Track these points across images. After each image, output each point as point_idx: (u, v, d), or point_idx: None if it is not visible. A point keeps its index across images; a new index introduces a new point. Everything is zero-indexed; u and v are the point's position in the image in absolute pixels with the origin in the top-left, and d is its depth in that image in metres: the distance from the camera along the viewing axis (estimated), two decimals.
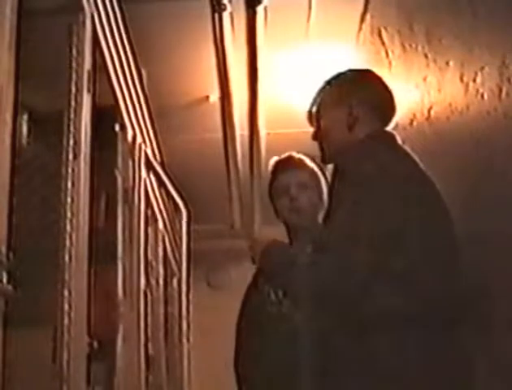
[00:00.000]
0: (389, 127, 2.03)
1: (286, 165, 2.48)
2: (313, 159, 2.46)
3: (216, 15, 3.30)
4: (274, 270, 1.96)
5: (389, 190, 1.76)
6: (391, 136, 1.99)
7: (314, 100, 2.10)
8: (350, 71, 2.11)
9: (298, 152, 2.52)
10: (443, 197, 1.91)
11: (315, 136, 2.08)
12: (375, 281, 1.68)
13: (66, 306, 2.06)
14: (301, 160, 2.49)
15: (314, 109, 2.09)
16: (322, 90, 2.08)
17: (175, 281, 4.32)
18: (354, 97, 1.99)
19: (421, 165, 1.94)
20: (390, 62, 3.12)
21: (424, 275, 1.72)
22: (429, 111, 2.62)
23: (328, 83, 2.08)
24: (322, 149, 2.07)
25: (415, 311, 1.70)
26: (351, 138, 1.95)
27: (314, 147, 2.19)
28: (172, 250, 4.33)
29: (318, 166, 2.46)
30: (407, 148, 2.00)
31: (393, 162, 1.85)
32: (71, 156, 2.20)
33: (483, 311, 1.90)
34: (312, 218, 2.42)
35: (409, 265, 1.70)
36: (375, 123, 1.98)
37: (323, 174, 2.46)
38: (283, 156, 2.52)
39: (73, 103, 2.25)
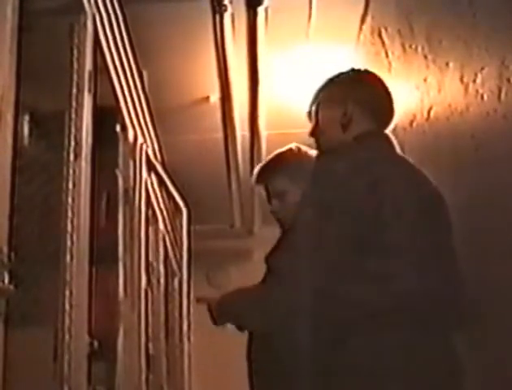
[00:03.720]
0: (388, 130, 2.03)
1: (258, 180, 2.43)
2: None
3: (217, 16, 3.30)
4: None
5: (360, 190, 1.75)
6: (383, 138, 1.99)
7: (315, 96, 2.09)
8: (352, 70, 2.11)
9: None
10: (432, 198, 1.89)
11: (312, 133, 2.07)
12: (349, 282, 1.68)
13: (67, 306, 2.07)
14: (272, 167, 2.39)
15: (314, 105, 2.09)
16: (323, 87, 2.08)
17: (175, 281, 4.32)
18: (351, 97, 1.99)
19: (412, 167, 1.92)
20: (390, 63, 3.13)
21: (400, 273, 1.71)
22: (429, 112, 2.62)
23: (330, 81, 2.08)
24: (318, 146, 2.06)
25: (390, 310, 1.70)
26: (343, 138, 1.95)
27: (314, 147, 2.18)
28: (173, 250, 4.34)
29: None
30: (399, 150, 1.99)
31: (368, 162, 1.83)
32: (72, 156, 2.21)
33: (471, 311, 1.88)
34: None
35: (383, 264, 1.70)
36: (371, 124, 1.97)
37: None
38: (256, 168, 2.47)
39: (74, 104, 2.25)
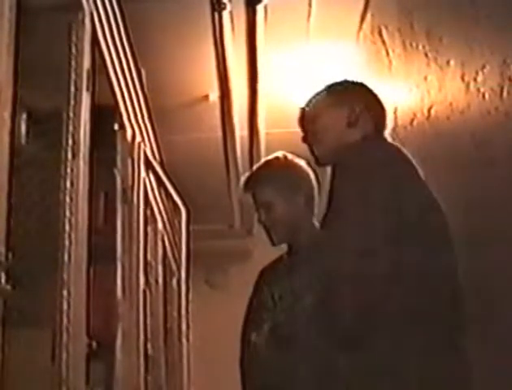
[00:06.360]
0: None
1: (245, 188, 2.43)
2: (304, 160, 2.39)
3: (216, 14, 3.30)
4: None
5: (387, 185, 1.76)
6: (386, 140, 2.02)
7: (310, 102, 2.10)
8: (346, 81, 2.13)
9: (297, 152, 2.43)
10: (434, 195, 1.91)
11: (305, 139, 2.08)
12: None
13: (65, 306, 2.06)
14: (259, 177, 2.41)
15: (309, 111, 2.09)
16: (319, 93, 2.09)
17: (174, 281, 4.31)
18: (355, 98, 2.02)
19: (414, 164, 1.94)
20: (390, 61, 3.12)
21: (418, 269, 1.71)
22: (429, 111, 2.61)
23: (328, 88, 2.10)
24: (313, 151, 2.06)
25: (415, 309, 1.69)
26: (348, 138, 1.96)
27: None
28: (172, 250, 4.32)
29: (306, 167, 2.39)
30: (401, 148, 2.01)
31: (390, 159, 1.86)
32: (70, 155, 2.19)
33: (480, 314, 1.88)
34: (293, 229, 2.33)
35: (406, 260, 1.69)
36: (371, 127, 2.00)
37: (313, 173, 2.39)
38: (245, 175, 2.48)
39: (72, 102, 2.24)
